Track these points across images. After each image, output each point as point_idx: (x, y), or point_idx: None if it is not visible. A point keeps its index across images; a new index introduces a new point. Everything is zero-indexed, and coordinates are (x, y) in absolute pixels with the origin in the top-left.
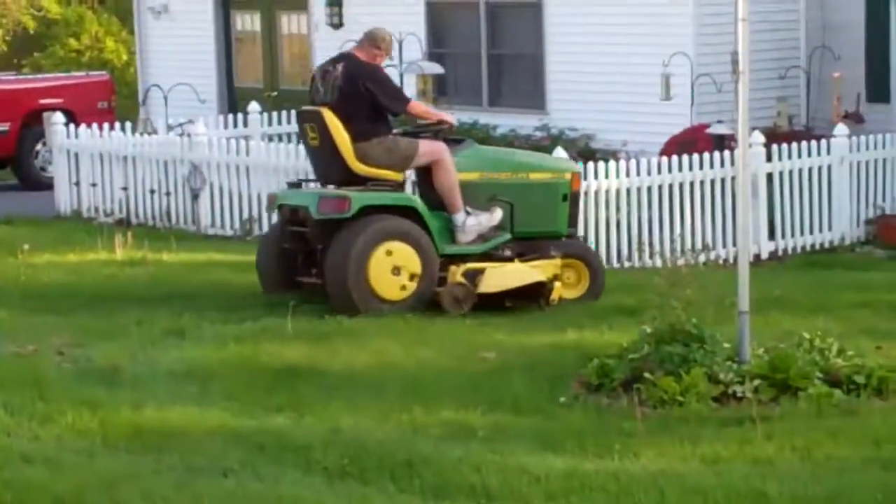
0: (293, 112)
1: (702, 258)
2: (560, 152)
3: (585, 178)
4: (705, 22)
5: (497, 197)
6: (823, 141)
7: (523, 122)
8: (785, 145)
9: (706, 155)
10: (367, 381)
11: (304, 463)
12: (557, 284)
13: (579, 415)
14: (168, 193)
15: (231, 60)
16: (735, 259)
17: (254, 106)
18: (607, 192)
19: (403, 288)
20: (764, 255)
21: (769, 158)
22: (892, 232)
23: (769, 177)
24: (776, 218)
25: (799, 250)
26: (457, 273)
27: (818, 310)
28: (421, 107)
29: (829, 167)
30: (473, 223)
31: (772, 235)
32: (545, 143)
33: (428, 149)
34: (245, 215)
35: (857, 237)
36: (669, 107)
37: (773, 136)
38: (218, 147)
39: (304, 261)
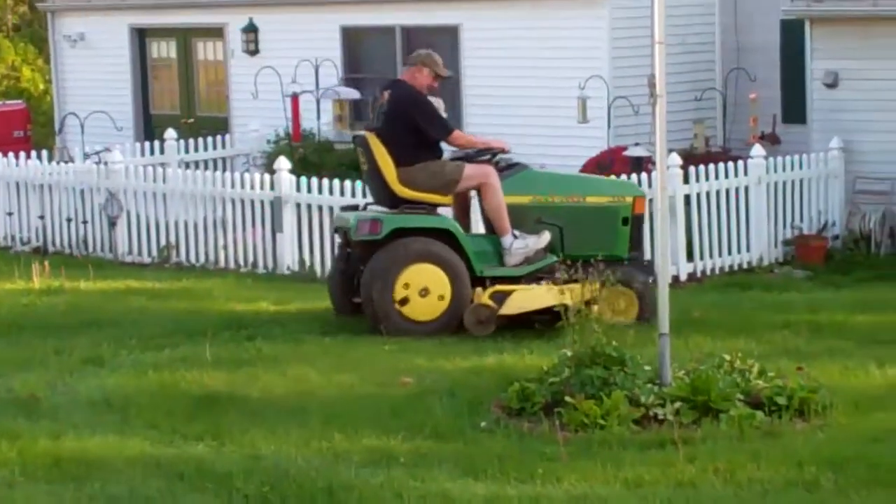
0: (210, 139)
1: None
2: None
3: None
4: (621, 45)
5: (542, 220)
6: (740, 162)
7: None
8: (702, 167)
9: (622, 177)
10: (287, 407)
11: (224, 491)
12: (594, 308)
13: (500, 439)
14: (85, 221)
15: (147, 88)
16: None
17: (170, 133)
18: None
19: (432, 309)
20: (683, 277)
21: (686, 180)
22: (810, 252)
23: (687, 198)
24: (694, 239)
25: (718, 271)
26: (483, 295)
27: (738, 331)
28: (464, 137)
29: (747, 188)
30: (520, 246)
31: (690, 257)
32: None
33: (473, 172)
34: (162, 242)
35: (775, 258)
36: (587, 130)
37: (691, 158)
38: (135, 174)
39: (356, 282)
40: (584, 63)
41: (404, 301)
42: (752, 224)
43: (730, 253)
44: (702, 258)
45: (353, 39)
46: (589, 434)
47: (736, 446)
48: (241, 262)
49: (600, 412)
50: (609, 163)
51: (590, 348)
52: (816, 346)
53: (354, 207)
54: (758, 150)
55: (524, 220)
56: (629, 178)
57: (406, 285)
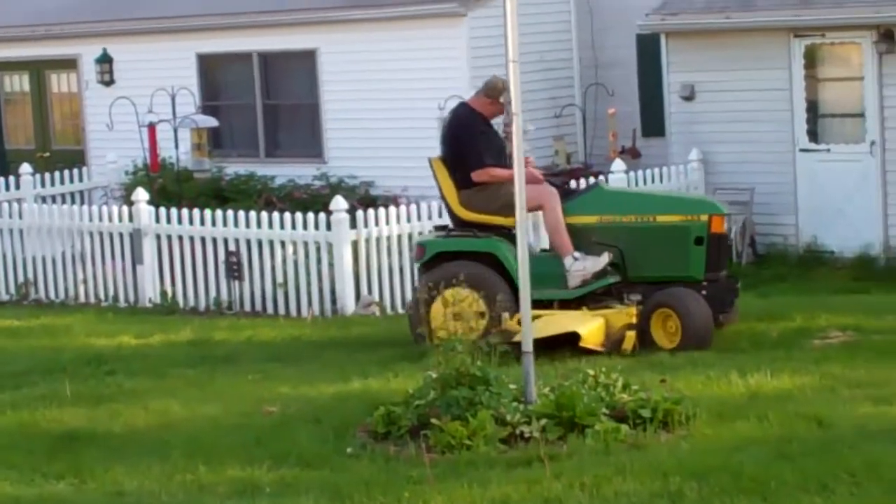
0: (66, 172)
1: None
2: (339, 201)
3: (366, 226)
4: (479, 64)
5: (599, 241)
6: (602, 177)
7: (302, 172)
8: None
9: None
10: (150, 442)
11: None
12: (630, 333)
13: (367, 464)
14: None
15: (1, 122)
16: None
17: (25, 168)
18: (389, 238)
19: (469, 334)
20: None
21: None
22: None
23: None
24: None
25: None
26: (509, 320)
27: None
28: (487, 174)
29: None
30: (578, 268)
31: None
32: (324, 192)
33: (532, 194)
34: (21, 279)
35: None
36: None
37: (552, 175)
38: None
39: None
40: (443, 83)
41: (439, 325)
42: None
43: None
44: None
45: (209, 67)
46: (456, 455)
47: (602, 460)
48: (102, 296)
49: (466, 433)
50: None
51: (454, 369)
52: (679, 358)
53: (444, 228)
54: (618, 164)
55: (590, 240)
56: None
57: (440, 309)
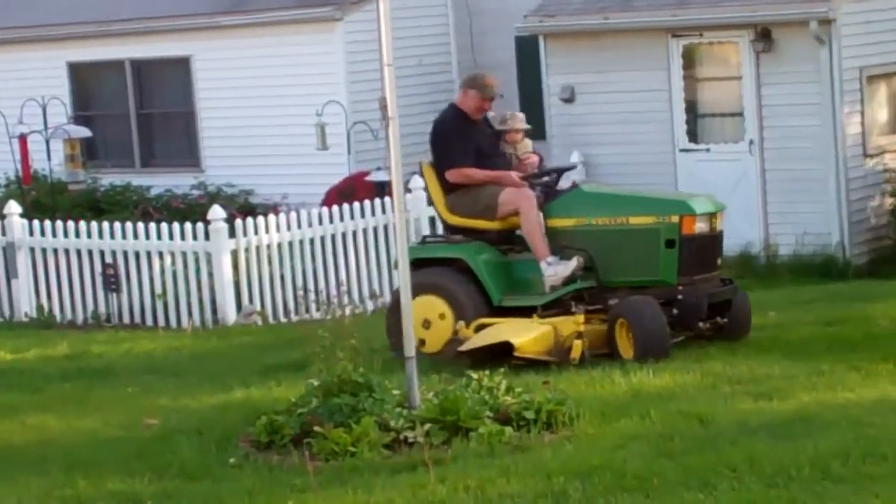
0: None
1: (370, 306)
2: (217, 210)
3: (245, 235)
4: (357, 69)
5: (567, 246)
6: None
7: (179, 181)
8: None
9: (366, 202)
10: (27, 458)
11: None
12: (577, 342)
13: (250, 475)
14: None
15: None
16: None
17: None
18: (269, 246)
19: (437, 341)
20: None
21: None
22: None
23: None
24: None
25: None
26: (463, 328)
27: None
28: (462, 174)
29: None
30: (550, 273)
31: None
32: (203, 202)
33: (508, 198)
34: None
35: None
36: (327, 156)
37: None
38: None
39: None
40: (320, 89)
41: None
42: None
43: None
44: None
45: (81, 75)
46: (340, 462)
47: (486, 463)
48: None
49: (350, 439)
50: (352, 189)
51: (337, 377)
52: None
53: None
54: None
55: (569, 243)
56: (372, 203)
57: (420, 318)
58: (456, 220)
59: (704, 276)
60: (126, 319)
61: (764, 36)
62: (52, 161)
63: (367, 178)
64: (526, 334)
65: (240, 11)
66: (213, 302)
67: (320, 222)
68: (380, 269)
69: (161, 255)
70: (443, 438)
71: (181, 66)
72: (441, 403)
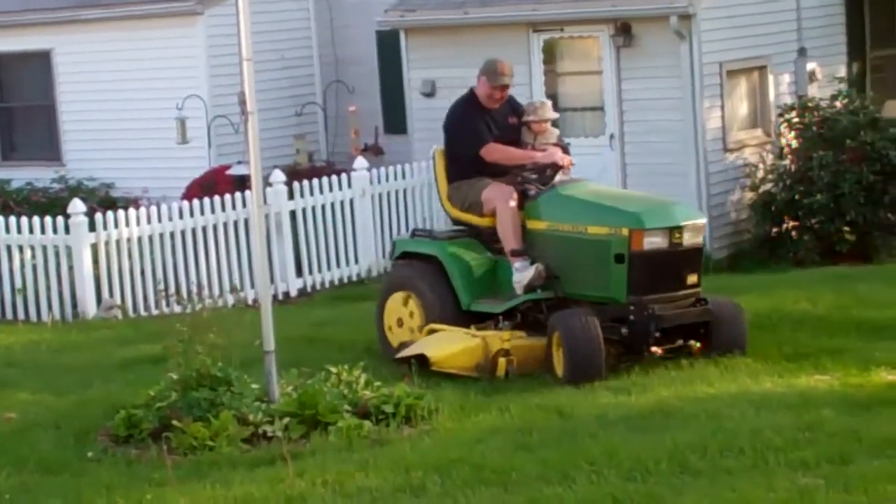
0: None
1: (231, 301)
2: (77, 204)
3: (105, 229)
4: (218, 63)
5: (536, 251)
6: (344, 175)
7: (40, 175)
8: (306, 182)
9: (227, 196)
10: None
11: None
12: (501, 360)
13: (108, 468)
14: None
15: None
16: None
17: None
18: (129, 240)
19: (412, 338)
20: (293, 293)
21: (292, 196)
22: None
23: (293, 214)
24: (302, 255)
25: (328, 285)
26: (417, 332)
27: (348, 344)
28: (499, 151)
29: (352, 201)
30: (517, 279)
31: (300, 273)
32: (63, 195)
33: (489, 195)
34: None
35: (384, 268)
36: (188, 150)
37: (295, 174)
38: None
39: None
40: (182, 83)
41: (391, 328)
42: (358, 236)
43: (339, 266)
44: (311, 273)
45: None
46: (198, 456)
47: (345, 457)
48: None
49: (209, 433)
50: (212, 183)
51: (195, 371)
52: None
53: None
54: (361, 162)
55: (539, 248)
56: (233, 197)
57: (389, 313)
58: (454, 213)
59: (663, 295)
60: None
61: (624, 31)
62: None
63: (228, 172)
64: (449, 348)
65: (100, 5)
66: (74, 296)
67: (181, 216)
68: (240, 263)
69: (21, 248)
70: (301, 432)
71: (42, 59)
72: (300, 398)
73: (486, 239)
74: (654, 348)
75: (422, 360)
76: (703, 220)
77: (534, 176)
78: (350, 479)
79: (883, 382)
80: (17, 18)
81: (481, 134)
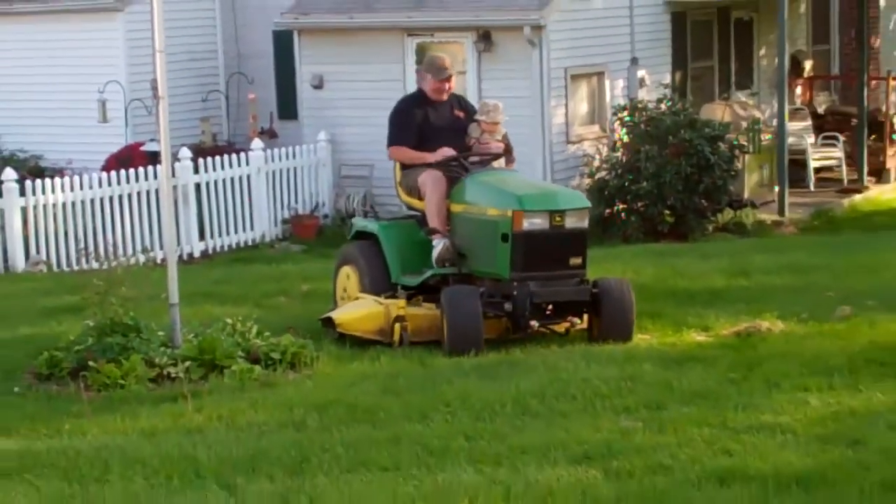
0: None
1: (142, 260)
2: (9, 172)
3: (34, 194)
4: (137, 53)
5: (428, 232)
6: (243, 154)
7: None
8: (210, 159)
9: (141, 169)
10: None
11: None
12: (396, 325)
13: (32, 402)
14: None
15: None
16: None
17: None
18: (54, 205)
19: None
20: (196, 254)
21: (197, 171)
22: (304, 229)
23: (197, 186)
24: (205, 221)
25: (227, 249)
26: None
27: (242, 299)
28: (400, 153)
29: (249, 176)
30: (433, 255)
31: (202, 237)
32: None
33: (422, 180)
34: None
35: (275, 235)
36: (107, 129)
37: (200, 152)
38: None
39: None
40: (103, 70)
41: (341, 298)
42: (254, 207)
43: (237, 232)
44: (212, 237)
45: None
46: (111, 393)
47: (238, 396)
48: None
49: (120, 373)
50: (128, 157)
51: (110, 319)
52: (308, 308)
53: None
54: (257, 143)
55: (456, 229)
56: (146, 170)
57: (339, 286)
58: (403, 197)
59: (544, 273)
60: None
61: (485, 38)
62: None
63: (142, 149)
64: (354, 313)
65: (34, 0)
66: (5, 251)
67: (100, 185)
68: (151, 228)
69: None
70: (201, 374)
71: None
72: (200, 344)
73: (423, 221)
74: (532, 323)
75: (330, 322)
76: (585, 206)
77: (471, 163)
78: (242, 415)
79: (693, 342)
80: None
81: (396, 134)
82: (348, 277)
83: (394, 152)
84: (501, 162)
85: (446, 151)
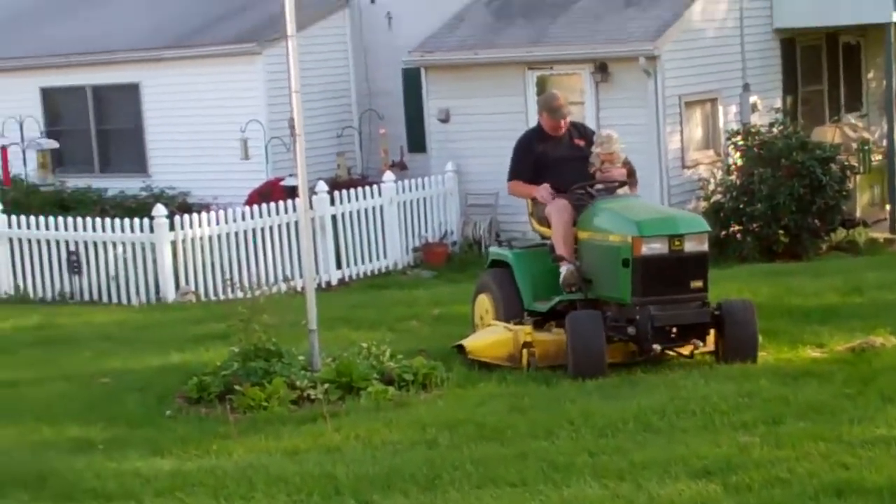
0: None
1: (283, 288)
2: (160, 208)
3: (183, 228)
4: (274, 94)
5: (555, 258)
6: (376, 186)
7: (130, 185)
8: (345, 191)
9: (281, 203)
10: (2, 409)
11: None
12: (524, 351)
13: (183, 424)
14: None
15: None
16: None
17: None
18: (202, 238)
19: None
20: (334, 282)
21: (333, 203)
22: (433, 256)
23: (334, 218)
24: (342, 251)
25: (362, 276)
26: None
27: (377, 323)
28: (516, 188)
29: (382, 207)
30: (560, 280)
31: (339, 265)
32: (149, 201)
33: (549, 209)
34: None
35: (407, 262)
36: (249, 165)
37: (336, 185)
38: None
39: None
40: (244, 110)
41: (477, 325)
42: (387, 236)
43: (371, 260)
44: (348, 266)
45: (51, 98)
46: (255, 415)
47: (373, 416)
48: None
49: (263, 396)
50: (269, 192)
51: (253, 345)
52: (438, 331)
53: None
54: (389, 175)
55: (584, 255)
56: (286, 204)
57: (477, 313)
58: (535, 226)
59: (665, 297)
60: (86, 297)
61: (602, 69)
62: (27, 167)
63: (282, 184)
64: (483, 340)
65: (180, 46)
66: (156, 283)
67: (243, 219)
68: (291, 258)
69: (114, 244)
70: (338, 396)
71: (132, 90)
72: (337, 367)
73: (553, 249)
74: (655, 346)
75: (462, 349)
76: (704, 230)
77: (597, 191)
78: (377, 434)
79: (808, 358)
80: (113, 57)
81: (513, 168)
82: (485, 305)
83: (510, 187)
84: (627, 188)
85: (544, 189)
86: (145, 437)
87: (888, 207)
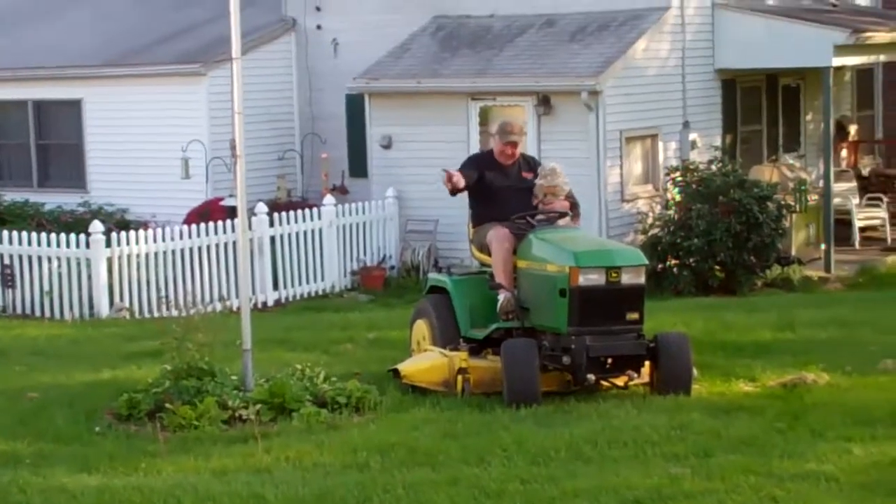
0: None
1: (219, 307)
2: (97, 224)
3: (119, 245)
4: (217, 115)
5: (492, 286)
6: (316, 209)
7: (68, 200)
8: (284, 213)
9: (220, 223)
10: None
11: None
12: (459, 377)
13: (111, 441)
14: None
15: None
16: None
17: None
18: (138, 255)
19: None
20: (270, 303)
21: (272, 224)
22: (371, 280)
23: (273, 239)
24: (279, 272)
25: (299, 298)
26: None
27: (312, 345)
28: (452, 173)
29: (321, 230)
30: (497, 308)
31: (276, 286)
32: (87, 217)
33: (490, 237)
34: None
35: (344, 285)
36: (189, 184)
37: (276, 206)
38: None
39: None
40: (187, 130)
41: (414, 350)
42: (325, 258)
43: (308, 282)
44: (285, 287)
45: None
46: (185, 433)
47: (305, 438)
48: None
49: (195, 415)
50: (208, 212)
51: (185, 363)
52: (373, 355)
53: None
54: (329, 199)
55: (521, 284)
56: (224, 224)
57: (414, 338)
58: (475, 255)
59: (601, 328)
60: (19, 311)
61: (544, 102)
62: None
63: (221, 203)
64: (418, 364)
65: (123, 64)
66: (91, 299)
67: (181, 237)
68: (228, 277)
69: (50, 259)
70: (270, 417)
71: (74, 106)
72: (270, 388)
73: (493, 276)
74: (589, 376)
75: (397, 374)
76: (642, 263)
77: (537, 221)
78: (308, 456)
79: (741, 392)
80: (55, 72)
81: (462, 165)
82: (422, 330)
83: (451, 173)
84: (568, 219)
85: (457, 174)
86: (73, 452)
87: (823, 247)
